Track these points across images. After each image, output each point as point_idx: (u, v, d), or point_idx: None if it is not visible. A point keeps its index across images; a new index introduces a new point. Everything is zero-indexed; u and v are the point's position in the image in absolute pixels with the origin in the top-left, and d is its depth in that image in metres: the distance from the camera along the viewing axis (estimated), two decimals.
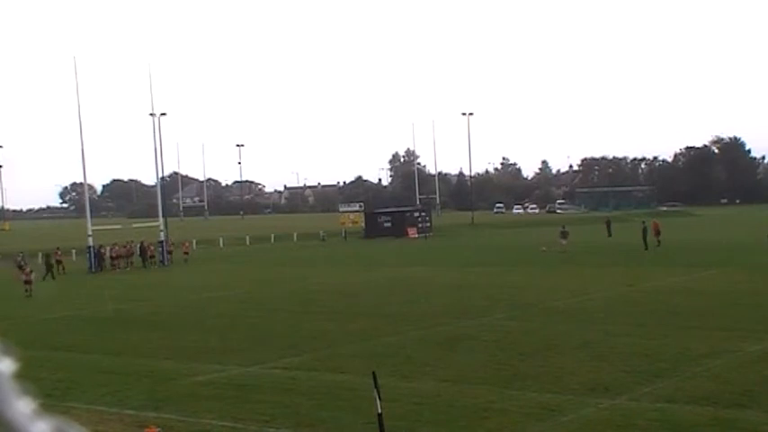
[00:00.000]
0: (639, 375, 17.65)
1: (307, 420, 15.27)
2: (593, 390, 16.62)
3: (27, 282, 39.81)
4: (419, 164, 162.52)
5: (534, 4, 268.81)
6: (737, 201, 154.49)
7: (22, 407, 1.11)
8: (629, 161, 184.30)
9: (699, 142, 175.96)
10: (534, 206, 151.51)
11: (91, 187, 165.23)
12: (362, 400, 14.85)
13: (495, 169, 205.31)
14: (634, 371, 18.07)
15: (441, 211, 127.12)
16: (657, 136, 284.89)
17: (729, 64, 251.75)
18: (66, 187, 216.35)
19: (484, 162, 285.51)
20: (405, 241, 78.69)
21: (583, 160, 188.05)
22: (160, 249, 60.44)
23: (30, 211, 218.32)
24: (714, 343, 20.80)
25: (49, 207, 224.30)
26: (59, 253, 55.85)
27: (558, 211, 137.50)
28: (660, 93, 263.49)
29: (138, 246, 59.79)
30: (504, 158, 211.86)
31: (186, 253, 62.04)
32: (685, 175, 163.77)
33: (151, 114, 65.05)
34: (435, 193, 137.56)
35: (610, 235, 68.45)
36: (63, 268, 53.70)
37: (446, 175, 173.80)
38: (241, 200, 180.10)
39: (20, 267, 52.93)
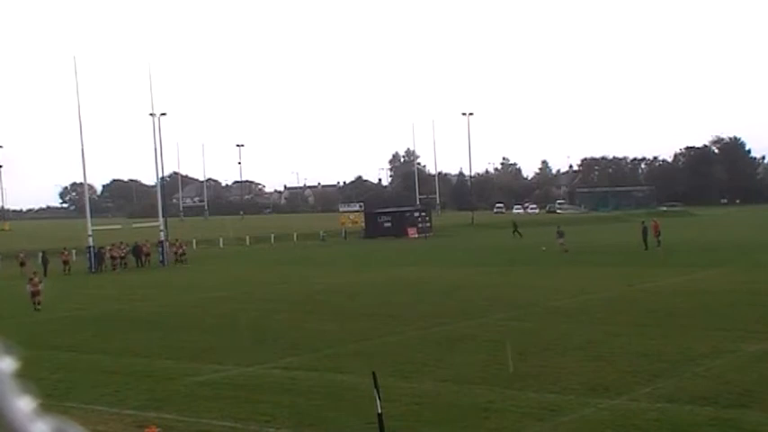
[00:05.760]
0: (639, 375, 17.65)
1: (307, 420, 15.27)
2: (593, 390, 16.62)
3: (35, 293, 34.06)
4: (419, 164, 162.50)
5: (534, 4, 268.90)
6: (737, 201, 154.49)
7: (23, 406, 1.11)
8: (629, 161, 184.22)
9: (699, 142, 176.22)
10: (534, 206, 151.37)
11: (91, 187, 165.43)
12: (362, 400, 14.86)
13: (495, 169, 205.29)
14: (634, 371, 18.07)
15: (441, 211, 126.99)
16: (657, 136, 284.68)
17: (729, 64, 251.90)
18: (66, 187, 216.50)
19: (484, 162, 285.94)
20: (405, 241, 78.67)
21: (583, 160, 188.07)
22: (159, 249, 60.41)
23: (30, 211, 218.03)
24: (714, 343, 20.80)
25: (49, 207, 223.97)
26: (66, 253, 57.61)
27: (558, 211, 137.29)
28: (660, 93, 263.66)
29: (132, 246, 59.83)
30: (504, 158, 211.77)
31: (184, 254, 61.84)
32: (685, 175, 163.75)
33: (151, 114, 65.21)
34: (435, 193, 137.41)
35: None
36: (68, 268, 55.41)
37: (446, 175, 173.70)
38: (241, 200, 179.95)
39: (22, 265, 53.16)
